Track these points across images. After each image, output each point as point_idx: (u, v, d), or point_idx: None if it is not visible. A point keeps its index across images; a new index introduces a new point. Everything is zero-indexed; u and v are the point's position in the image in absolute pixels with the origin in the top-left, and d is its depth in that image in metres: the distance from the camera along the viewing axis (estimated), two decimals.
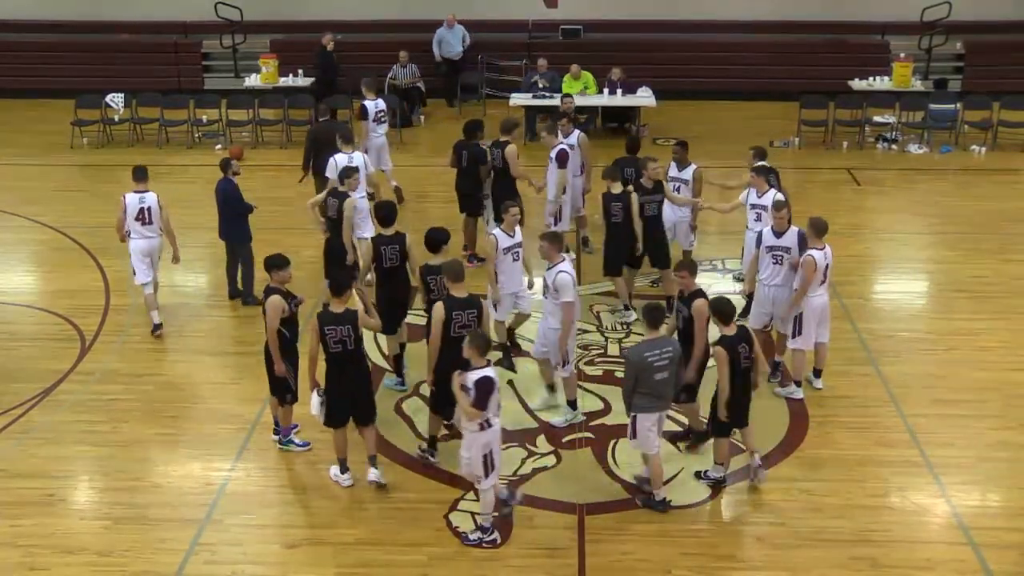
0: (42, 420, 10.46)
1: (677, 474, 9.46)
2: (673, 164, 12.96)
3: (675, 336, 9.46)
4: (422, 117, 20.85)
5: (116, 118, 19.70)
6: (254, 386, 10.91)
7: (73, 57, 22.59)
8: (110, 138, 19.72)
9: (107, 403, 10.74)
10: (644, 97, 19.34)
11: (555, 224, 13.12)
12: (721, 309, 8.92)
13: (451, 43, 21.18)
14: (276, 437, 9.98)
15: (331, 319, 8.94)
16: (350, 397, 9.16)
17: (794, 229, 10.65)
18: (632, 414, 8.78)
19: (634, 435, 8.84)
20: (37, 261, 14.61)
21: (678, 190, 12.78)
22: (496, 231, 10.85)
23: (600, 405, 10.59)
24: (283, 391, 9.64)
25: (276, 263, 9.60)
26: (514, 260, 10.84)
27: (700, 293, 9.44)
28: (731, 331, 8.86)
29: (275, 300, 9.34)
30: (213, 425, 10.40)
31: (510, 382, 10.92)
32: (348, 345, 8.98)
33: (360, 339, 9.09)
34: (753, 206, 11.93)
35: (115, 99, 19.60)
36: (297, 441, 9.97)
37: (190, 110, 19.53)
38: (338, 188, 12.09)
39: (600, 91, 19.51)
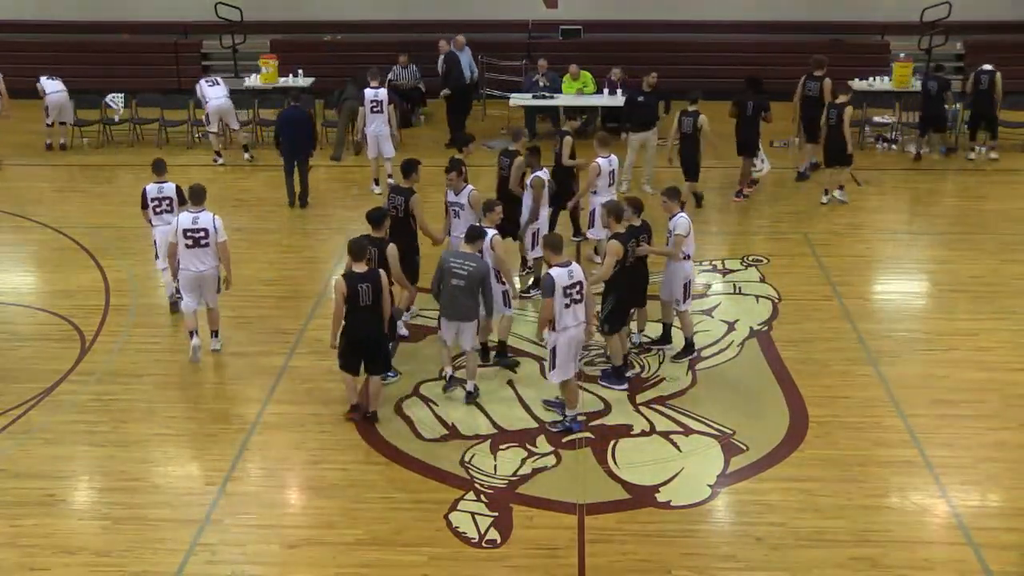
0: (42, 420, 10.46)
1: (677, 474, 9.48)
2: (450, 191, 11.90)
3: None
4: (422, 118, 20.84)
5: (116, 118, 19.70)
6: (254, 386, 10.97)
7: (73, 57, 22.56)
8: (110, 138, 19.72)
9: (107, 403, 10.74)
10: None
11: None
12: (615, 210, 10.61)
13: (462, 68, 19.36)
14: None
15: (356, 279, 9.85)
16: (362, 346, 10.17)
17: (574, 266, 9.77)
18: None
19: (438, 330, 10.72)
20: (37, 261, 14.59)
21: (458, 215, 11.82)
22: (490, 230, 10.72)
23: (600, 405, 10.59)
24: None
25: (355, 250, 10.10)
26: None
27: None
28: (621, 228, 10.51)
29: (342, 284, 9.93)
30: (213, 425, 10.40)
31: (510, 381, 11.00)
32: (366, 300, 9.95)
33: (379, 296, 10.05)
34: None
35: (115, 99, 19.61)
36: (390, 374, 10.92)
37: (190, 110, 19.51)
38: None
39: (600, 91, 19.49)
